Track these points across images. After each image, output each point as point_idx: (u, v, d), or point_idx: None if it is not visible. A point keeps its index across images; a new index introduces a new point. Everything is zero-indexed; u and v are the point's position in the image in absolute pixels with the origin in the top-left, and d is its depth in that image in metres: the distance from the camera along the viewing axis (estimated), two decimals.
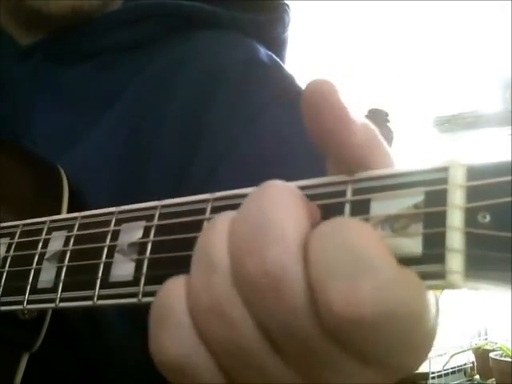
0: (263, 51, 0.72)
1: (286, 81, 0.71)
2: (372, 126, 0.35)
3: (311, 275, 0.30)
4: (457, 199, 0.29)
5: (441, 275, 0.28)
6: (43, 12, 0.69)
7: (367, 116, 0.68)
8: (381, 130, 0.66)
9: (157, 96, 0.69)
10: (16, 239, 0.48)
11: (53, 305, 0.43)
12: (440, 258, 0.28)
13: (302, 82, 0.72)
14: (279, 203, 0.32)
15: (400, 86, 2.64)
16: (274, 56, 0.73)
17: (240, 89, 0.68)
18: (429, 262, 0.29)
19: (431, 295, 0.31)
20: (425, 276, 0.29)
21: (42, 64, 0.73)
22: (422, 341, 0.32)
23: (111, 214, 0.42)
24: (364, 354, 0.31)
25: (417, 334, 0.31)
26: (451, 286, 0.28)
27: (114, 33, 0.73)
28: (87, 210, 0.45)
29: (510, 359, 2.33)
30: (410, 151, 2.31)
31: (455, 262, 0.28)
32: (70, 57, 0.74)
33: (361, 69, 2.65)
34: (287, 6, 0.79)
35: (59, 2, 0.69)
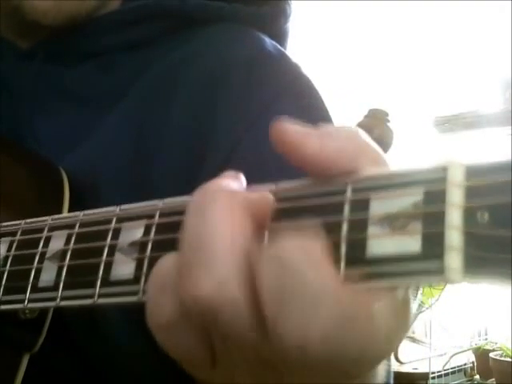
0: (269, 41, 0.72)
1: (294, 71, 0.71)
2: (352, 130, 0.35)
3: (263, 305, 0.31)
4: (456, 198, 0.29)
5: (439, 272, 0.29)
6: (41, 23, 0.69)
7: (367, 116, 0.68)
8: (381, 130, 0.66)
9: (161, 96, 0.69)
10: (17, 238, 0.48)
11: (53, 303, 0.43)
12: (439, 256, 0.29)
13: (305, 71, 0.72)
14: (211, 222, 0.32)
15: (400, 86, 2.64)
16: (279, 46, 0.73)
17: (245, 87, 0.67)
18: (427, 259, 0.29)
19: (391, 307, 0.31)
20: (424, 273, 0.29)
21: (44, 65, 0.73)
22: (379, 352, 0.32)
23: (112, 212, 0.42)
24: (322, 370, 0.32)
25: (372, 353, 0.31)
26: (450, 282, 0.28)
27: (114, 33, 0.73)
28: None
29: (510, 359, 2.34)
30: (409, 151, 2.31)
31: (454, 260, 0.28)
32: (71, 57, 0.74)
33: (361, 69, 2.65)
34: None
35: (57, 10, 0.69)
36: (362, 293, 0.31)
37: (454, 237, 0.28)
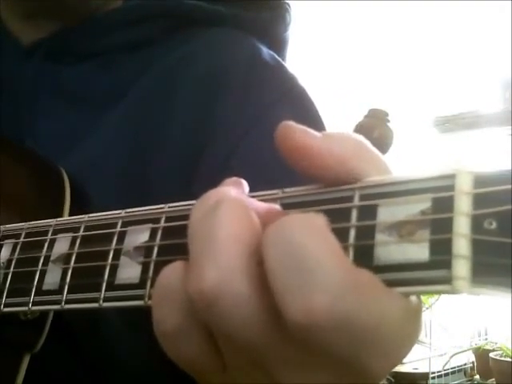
0: (265, 50, 0.72)
1: (289, 81, 0.71)
2: (355, 137, 0.35)
3: (269, 284, 0.31)
4: (463, 206, 0.29)
5: (447, 281, 0.29)
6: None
7: (367, 116, 0.68)
8: (381, 130, 0.66)
9: (160, 96, 0.69)
10: (21, 241, 0.48)
11: (58, 306, 0.43)
12: (446, 264, 0.29)
13: (302, 81, 0.72)
14: (217, 220, 0.33)
15: (400, 86, 2.65)
16: (276, 55, 0.73)
17: (243, 89, 0.68)
18: (435, 268, 0.29)
19: (403, 300, 0.31)
20: (431, 281, 0.29)
21: (44, 64, 0.73)
22: (387, 344, 0.32)
23: (117, 216, 0.42)
24: (328, 354, 0.31)
25: (379, 338, 0.31)
26: (458, 292, 0.28)
27: (115, 33, 0.73)
28: (90, 211, 0.45)
29: (510, 359, 2.34)
30: (410, 151, 2.31)
31: (461, 268, 0.28)
32: (71, 57, 0.74)
33: (361, 69, 2.65)
34: (288, 5, 0.79)
35: None
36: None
37: (461, 245, 0.28)
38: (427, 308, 2.39)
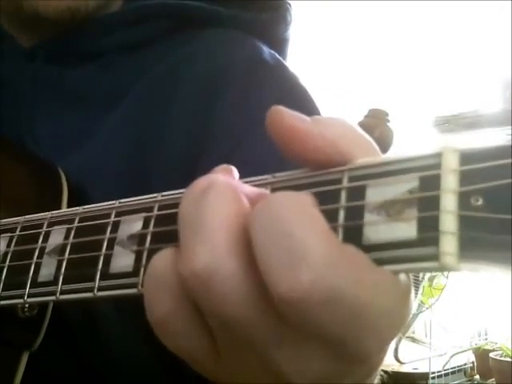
0: (266, 50, 0.72)
1: (290, 81, 0.71)
2: (345, 121, 0.36)
3: (258, 263, 0.31)
4: (450, 183, 0.29)
5: (435, 257, 0.29)
6: (41, 15, 0.69)
7: (367, 116, 0.68)
8: (381, 129, 0.66)
9: (161, 96, 0.69)
10: (17, 234, 0.48)
11: (53, 297, 0.43)
12: (434, 241, 0.29)
13: (303, 81, 0.72)
14: (207, 203, 0.33)
15: (400, 86, 2.65)
16: (277, 55, 0.73)
17: (243, 89, 0.68)
18: (423, 245, 0.29)
19: (391, 276, 0.31)
20: (419, 258, 0.29)
21: (44, 65, 0.74)
22: (380, 321, 0.32)
23: (111, 206, 0.43)
24: (320, 334, 0.31)
25: (372, 314, 0.31)
26: (446, 268, 0.29)
27: (115, 33, 0.73)
28: None
29: (510, 359, 2.34)
30: (409, 151, 2.31)
31: (449, 244, 0.28)
32: (72, 58, 0.74)
33: (361, 69, 2.66)
34: (289, 4, 0.79)
35: (57, 4, 0.69)
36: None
37: (448, 221, 0.29)
38: (427, 308, 2.39)
